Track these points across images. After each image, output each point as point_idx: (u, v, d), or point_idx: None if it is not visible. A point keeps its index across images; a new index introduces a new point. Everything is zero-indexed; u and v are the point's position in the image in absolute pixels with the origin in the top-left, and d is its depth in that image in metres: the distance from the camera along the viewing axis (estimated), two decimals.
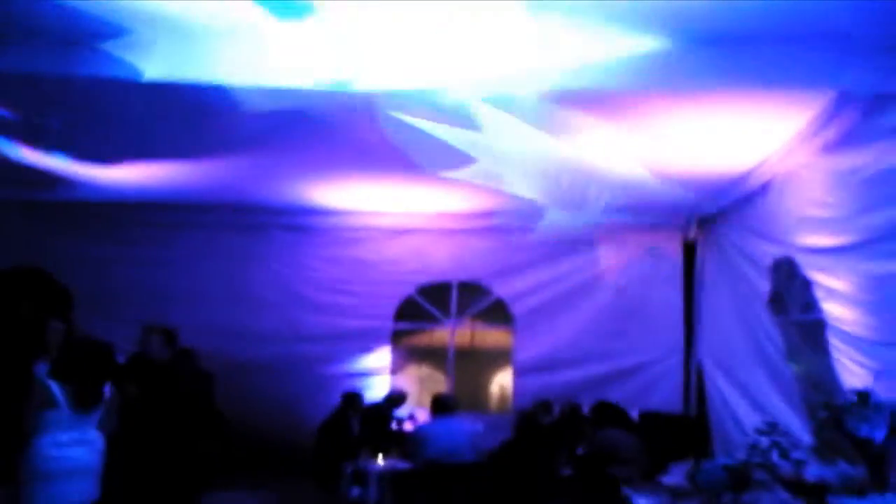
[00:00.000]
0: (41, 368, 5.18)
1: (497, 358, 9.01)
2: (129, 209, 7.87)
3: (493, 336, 8.95)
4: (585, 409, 6.69)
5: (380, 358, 8.28)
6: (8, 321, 8.61)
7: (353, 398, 7.20)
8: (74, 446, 4.70)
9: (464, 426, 6.16)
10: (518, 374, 8.28)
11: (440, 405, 6.24)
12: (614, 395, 6.90)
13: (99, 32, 4.14)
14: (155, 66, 4.38)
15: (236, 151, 6.09)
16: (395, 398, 7.62)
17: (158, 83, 4.55)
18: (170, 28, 4.12)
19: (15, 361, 5.29)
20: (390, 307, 8.35)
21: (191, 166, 6.55)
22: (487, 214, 8.09)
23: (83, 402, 4.77)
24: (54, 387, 4.71)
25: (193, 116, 5.20)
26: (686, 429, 7.36)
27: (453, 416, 6.21)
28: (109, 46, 4.19)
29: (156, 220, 8.04)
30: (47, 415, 4.65)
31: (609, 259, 8.15)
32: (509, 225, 8.14)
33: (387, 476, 6.33)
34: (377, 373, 8.22)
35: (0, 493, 4.39)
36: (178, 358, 5.99)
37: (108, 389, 4.93)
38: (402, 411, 7.63)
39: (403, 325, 8.55)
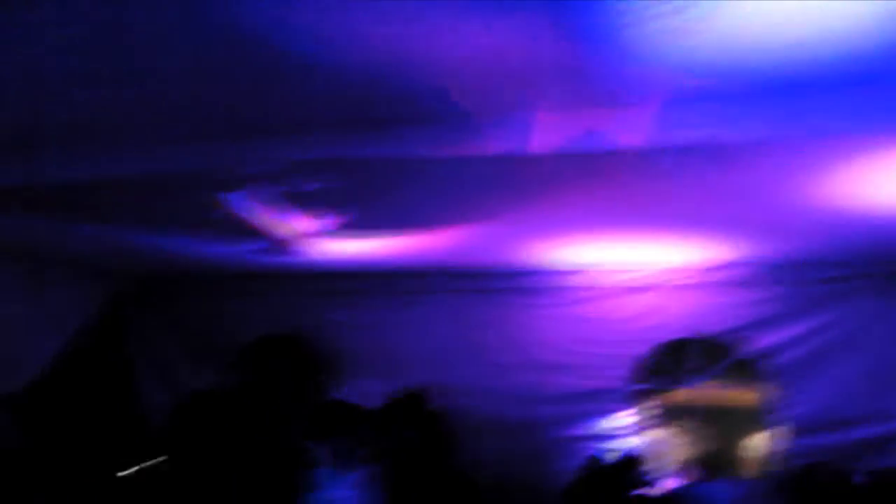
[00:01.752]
0: (303, 430, 5.55)
1: (748, 418, 8.41)
2: (374, 277, 8.33)
3: (742, 395, 8.39)
4: (858, 476, 6.08)
5: (621, 419, 8.00)
6: (269, 385, 9.36)
7: (598, 462, 7.02)
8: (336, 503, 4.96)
9: (723, 491, 5.82)
10: (776, 436, 7.66)
11: (698, 469, 5.93)
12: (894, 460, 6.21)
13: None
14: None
15: (478, 220, 6.28)
16: (630, 461, 7.32)
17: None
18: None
19: (279, 423, 5.64)
20: (629, 366, 8.08)
21: (435, 236, 6.81)
22: (728, 266, 7.72)
23: (343, 461, 5.04)
24: (316, 447, 5.01)
25: (448, 190, 5.42)
26: None
27: (711, 480, 5.88)
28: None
29: (397, 288, 8.43)
30: (311, 474, 4.96)
31: (872, 309, 7.45)
32: (754, 277, 7.71)
33: None
34: (620, 434, 7.93)
35: None
36: (429, 418, 6.15)
37: (364, 450, 5.18)
38: (644, 475, 7.31)
39: (644, 385, 8.24)
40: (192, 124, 4.82)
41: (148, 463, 6.55)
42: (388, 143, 4.74)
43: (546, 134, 4.53)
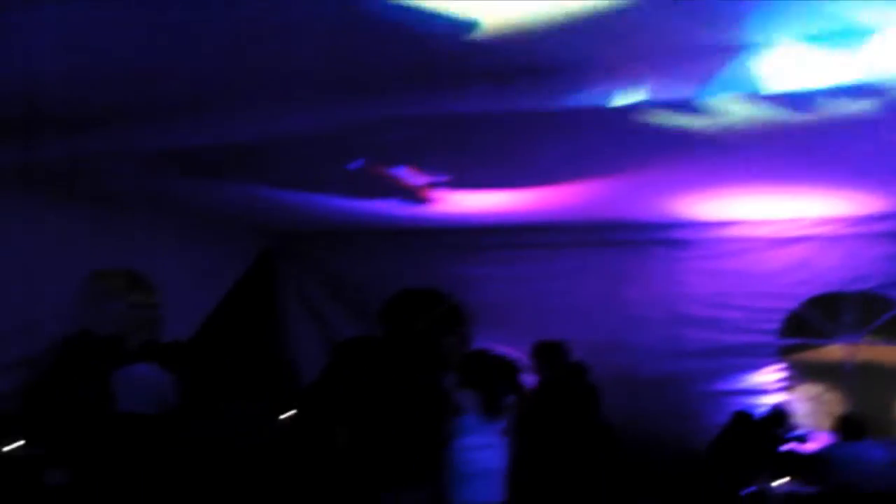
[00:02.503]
0: (449, 379, 5.73)
1: None
2: (510, 231, 8.42)
3: None
4: None
5: (767, 375, 7.79)
6: (408, 338, 9.69)
7: (744, 416, 6.89)
8: (483, 450, 5.11)
9: (877, 451, 5.62)
10: None
11: (850, 427, 5.76)
12: None
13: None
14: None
15: (615, 172, 6.20)
16: (777, 416, 7.16)
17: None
18: None
19: (422, 374, 5.81)
20: (776, 322, 7.82)
21: (566, 189, 6.79)
22: (883, 217, 7.30)
23: (489, 409, 5.17)
24: (463, 396, 5.17)
25: (583, 140, 5.39)
26: None
27: (863, 440, 5.70)
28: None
29: (536, 241, 8.48)
30: (459, 421, 5.12)
31: None
32: None
33: (789, 500, 5.97)
34: (765, 391, 7.72)
35: (426, 492, 4.91)
36: (570, 371, 6.21)
37: (509, 399, 5.30)
38: (790, 431, 7.15)
39: (791, 341, 7.99)
40: (334, 83, 5.01)
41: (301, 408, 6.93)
42: (529, 97, 4.77)
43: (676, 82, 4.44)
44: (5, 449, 5.81)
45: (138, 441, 6.24)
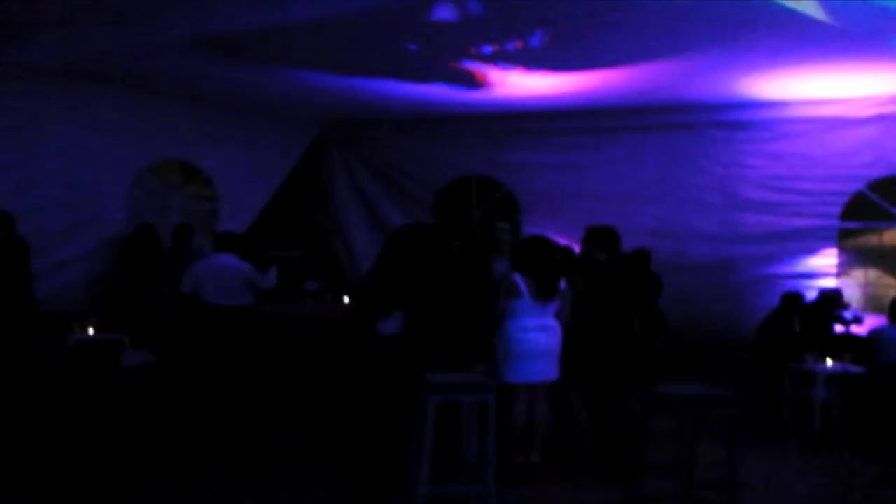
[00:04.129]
0: (501, 264, 5.80)
1: None
2: (563, 117, 8.31)
3: None
4: None
5: (825, 259, 7.70)
6: (460, 224, 9.71)
7: (794, 298, 6.85)
8: (536, 331, 5.21)
9: None
10: None
11: None
12: None
13: None
14: None
15: (669, 52, 6.01)
16: (829, 298, 7.11)
17: None
18: None
19: (474, 258, 5.87)
20: (836, 205, 7.65)
21: (624, 71, 6.61)
22: None
23: (542, 293, 5.25)
24: (518, 279, 5.24)
25: (632, 21, 5.22)
26: None
27: None
28: None
29: (590, 126, 8.37)
30: (513, 303, 5.22)
31: None
32: None
33: (836, 379, 6.00)
34: (821, 274, 7.66)
35: (483, 366, 5.07)
36: (632, 258, 6.20)
37: (562, 284, 5.36)
38: (843, 313, 7.11)
39: (852, 224, 7.83)
40: None
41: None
42: None
43: None
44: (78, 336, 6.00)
45: (231, 332, 6.27)
